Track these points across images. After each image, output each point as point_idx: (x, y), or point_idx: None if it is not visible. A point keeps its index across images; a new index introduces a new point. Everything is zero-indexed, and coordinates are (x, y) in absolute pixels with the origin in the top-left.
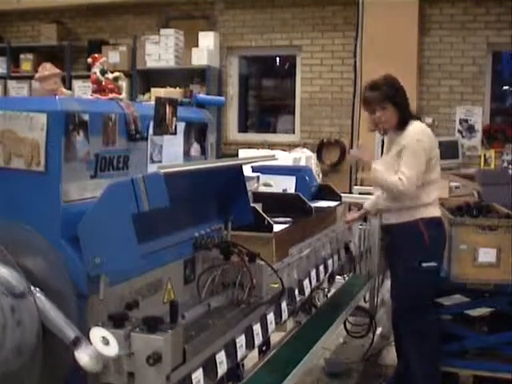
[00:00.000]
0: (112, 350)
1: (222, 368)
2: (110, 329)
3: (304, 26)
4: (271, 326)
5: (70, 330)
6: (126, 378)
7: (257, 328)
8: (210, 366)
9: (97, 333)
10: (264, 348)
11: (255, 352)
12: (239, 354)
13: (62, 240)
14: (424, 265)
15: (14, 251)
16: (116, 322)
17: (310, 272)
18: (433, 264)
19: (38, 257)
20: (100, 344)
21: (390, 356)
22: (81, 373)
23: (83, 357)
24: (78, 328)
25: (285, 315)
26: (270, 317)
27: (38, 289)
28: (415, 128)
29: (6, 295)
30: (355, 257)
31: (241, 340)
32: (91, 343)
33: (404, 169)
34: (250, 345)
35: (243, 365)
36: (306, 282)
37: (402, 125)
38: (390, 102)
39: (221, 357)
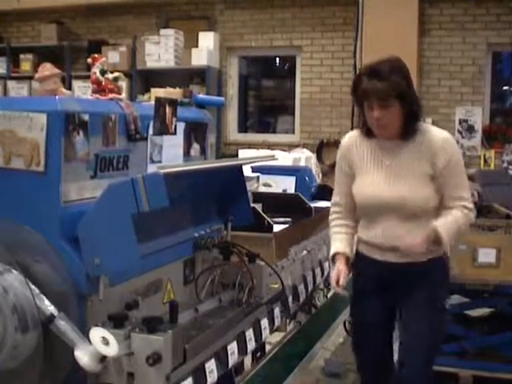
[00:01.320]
0: (112, 350)
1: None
2: (110, 329)
3: (304, 26)
4: (278, 321)
5: (93, 353)
6: (126, 378)
7: (264, 323)
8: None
9: (97, 333)
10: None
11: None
12: (249, 348)
13: (62, 240)
14: (444, 302)
15: (14, 251)
16: (116, 322)
17: (308, 273)
18: (447, 299)
19: (38, 257)
20: (100, 344)
21: None
22: (81, 373)
23: (83, 357)
24: (78, 328)
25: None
26: (277, 311)
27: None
28: (442, 132)
29: (16, 331)
30: None
31: (249, 334)
32: (91, 343)
33: (464, 192)
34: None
35: (243, 364)
36: (301, 287)
37: (406, 132)
38: (398, 100)
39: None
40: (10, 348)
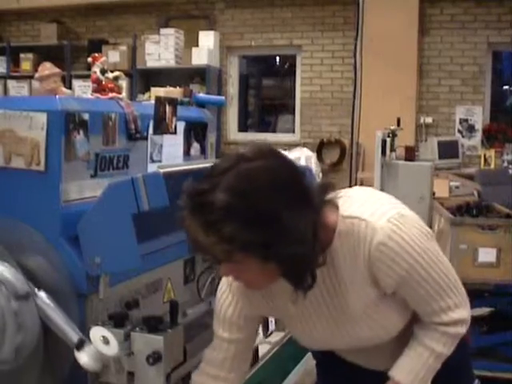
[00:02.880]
0: (112, 349)
1: None
2: (110, 328)
3: (304, 25)
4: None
5: (74, 332)
6: (126, 378)
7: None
8: None
9: (97, 332)
10: None
11: None
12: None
13: (62, 239)
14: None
15: (14, 250)
16: (116, 321)
17: None
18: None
19: (38, 256)
20: (100, 343)
21: None
22: (81, 372)
23: (83, 356)
24: (78, 328)
25: None
26: None
27: (40, 289)
28: (374, 230)
29: (9, 300)
30: None
31: None
32: (91, 343)
33: (441, 301)
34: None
35: None
36: None
37: (295, 284)
38: (248, 253)
39: None
40: (11, 315)
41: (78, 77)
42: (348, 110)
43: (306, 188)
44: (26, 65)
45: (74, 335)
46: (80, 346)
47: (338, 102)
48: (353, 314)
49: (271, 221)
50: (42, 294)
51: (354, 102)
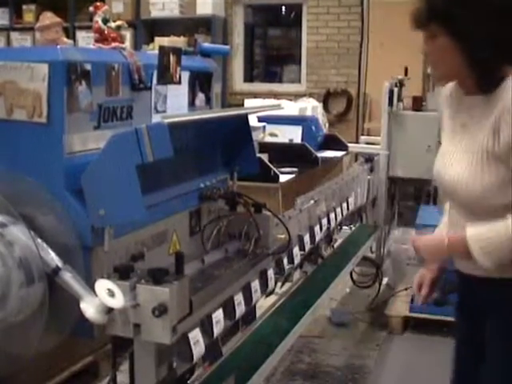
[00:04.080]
0: (117, 301)
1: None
2: (116, 280)
3: None
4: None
5: (51, 259)
6: (133, 330)
7: (270, 273)
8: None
9: (102, 285)
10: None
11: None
12: (254, 299)
13: (66, 192)
14: None
15: (18, 203)
16: (121, 273)
17: (315, 223)
18: None
19: (42, 209)
20: (105, 296)
21: (396, 306)
22: (87, 324)
23: (89, 309)
24: (84, 280)
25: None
26: (284, 262)
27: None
28: None
29: None
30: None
31: (256, 285)
32: (97, 295)
33: None
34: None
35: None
36: (307, 237)
37: (482, 85)
38: (442, 27)
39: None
40: (15, 302)
41: (82, 28)
42: (355, 60)
43: None
44: (28, 16)
45: (52, 262)
46: (55, 272)
47: (344, 52)
48: (470, 149)
49: (468, 7)
50: (67, 268)
51: (360, 51)
